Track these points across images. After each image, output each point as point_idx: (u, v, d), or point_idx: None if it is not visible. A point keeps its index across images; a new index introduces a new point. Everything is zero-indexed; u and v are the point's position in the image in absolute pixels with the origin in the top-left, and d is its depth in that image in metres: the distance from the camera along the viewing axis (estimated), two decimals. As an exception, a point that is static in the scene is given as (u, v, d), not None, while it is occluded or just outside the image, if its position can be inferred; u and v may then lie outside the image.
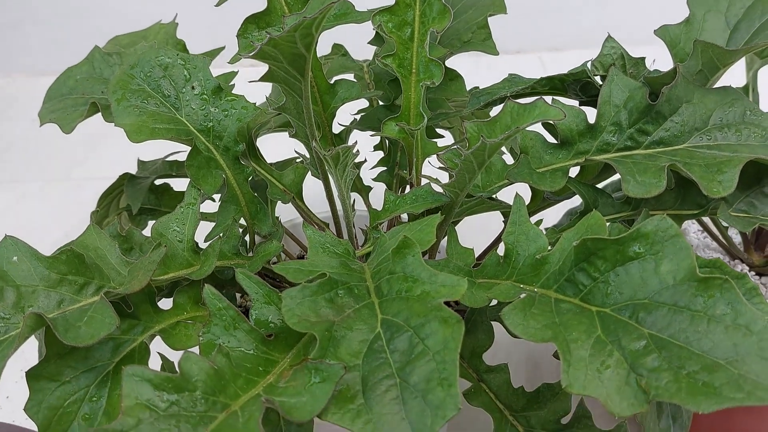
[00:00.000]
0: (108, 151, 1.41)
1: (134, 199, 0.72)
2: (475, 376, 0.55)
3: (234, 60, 0.61)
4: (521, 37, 1.63)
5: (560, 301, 0.46)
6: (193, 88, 0.59)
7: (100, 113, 0.62)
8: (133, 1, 1.65)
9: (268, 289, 0.47)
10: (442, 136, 0.72)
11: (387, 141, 0.74)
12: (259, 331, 0.45)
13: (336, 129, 0.69)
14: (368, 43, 0.72)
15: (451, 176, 0.54)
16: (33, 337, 0.46)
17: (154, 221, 0.59)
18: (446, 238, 0.58)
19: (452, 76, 0.69)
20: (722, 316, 0.40)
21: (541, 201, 0.67)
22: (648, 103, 0.56)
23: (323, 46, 0.72)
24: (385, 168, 0.72)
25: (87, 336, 0.43)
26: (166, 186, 0.77)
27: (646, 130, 0.57)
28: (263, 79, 0.52)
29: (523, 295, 0.46)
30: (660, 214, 0.45)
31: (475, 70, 1.52)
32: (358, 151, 0.57)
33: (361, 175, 0.74)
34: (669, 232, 0.43)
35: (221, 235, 0.55)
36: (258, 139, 0.70)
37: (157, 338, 0.50)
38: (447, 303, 0.46)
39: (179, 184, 0.76)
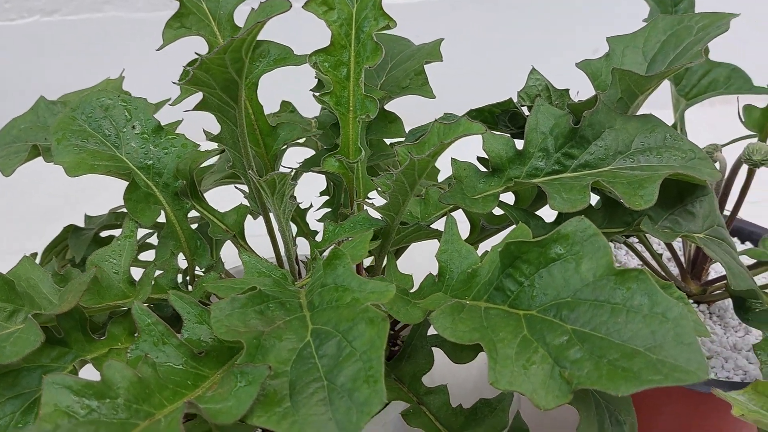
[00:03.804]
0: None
1: (77, 249, 0.72)
2: (415, 399, 0.55)
3: (176, 102, 0.63)
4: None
5: (489, 309, 0.47)
6: (133, 127, 0.61)
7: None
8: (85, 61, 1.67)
9: (200, 309, 0.48)
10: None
11: (332, 184, 0.76)
12: (189, 347, 0.45)
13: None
14: (310, 90, 0.75)
15: (385, 199, 0.55)
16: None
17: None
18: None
19: (391, 119, 0.71)
20: (640, 307, 0.41)
21: (479, 232, 0.68)
22: (572, 128, 0.59)
23: (272, 103, 0.75)
24: (329, 209, 0.74)
25: (12, 354, 0.43)
26: (111, 237, 0.77)
27: (572, 154, 0.59)
28: (197, 107, 0.53)
29: (452, 302, 0.47)
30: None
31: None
32: (294, 180, 0.58)
33: (307, 220, 0.75)
34: (588, 232, 0.45)
35: (155, 264, 0.55)
36: (207, 192, 0.72)
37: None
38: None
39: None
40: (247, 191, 0.66)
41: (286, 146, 0.75)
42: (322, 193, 0.79)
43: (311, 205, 0.76)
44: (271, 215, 0.62)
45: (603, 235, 0.44)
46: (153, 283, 0.55)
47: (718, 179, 0.59)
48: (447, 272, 0.53)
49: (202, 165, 0.66)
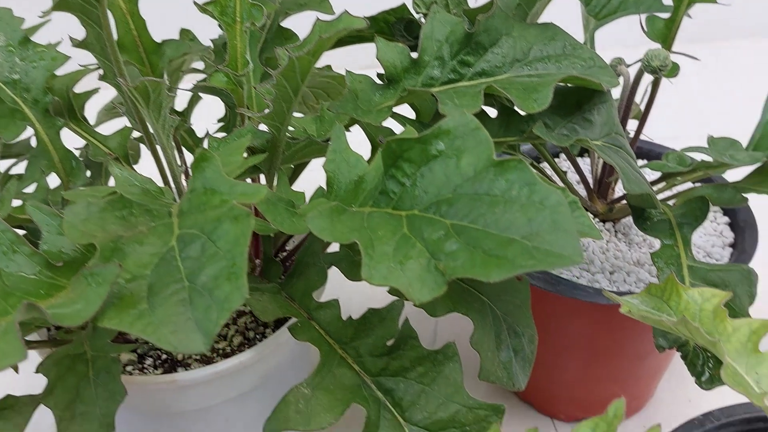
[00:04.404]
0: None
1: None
2: (305, 315, 0.53)
3: (46, 13, 0.58)
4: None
5: (373, 213, 0.45)
6: (-3, 39, 0.56)
7: None
8: None
9: (61, 219, 0.44)
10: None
11: (228, 109, 0.72)
12: (43, 256, 0.42)
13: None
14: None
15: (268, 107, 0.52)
16: None
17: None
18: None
19: (288, 35, 0.68)
20: (518, 196, 0.40)
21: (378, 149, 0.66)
22: (467, 33, 0.57)
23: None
24: (225, 134, 0.70)
25: None
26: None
27: (468, 62, 0.57)
28: (56, 7, 0.49)
29: (333, 204, 0.45)
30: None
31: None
32: (171, 87, 0.54)
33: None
34: (469, 126, 0.43)
35: (16, 179, 0.52)
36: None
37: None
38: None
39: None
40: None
41: (182, 73, 0.71)
42: (219, 121, 0.76)
43: (207, 133, 0.72)
44: (151, 131, 0.58)
45: (485, 129, 0.42)
46: (21, 203, 0.52)
47: (615, 86, 0.58)
48: (335, 182, 0.50)
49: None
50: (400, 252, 0.40)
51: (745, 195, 0.61)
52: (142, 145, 0.74)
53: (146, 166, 0.68)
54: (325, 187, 0.51)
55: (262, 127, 0.57)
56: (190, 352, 0.35)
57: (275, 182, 0.57)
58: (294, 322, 0.51)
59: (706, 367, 0.55)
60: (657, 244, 0.70)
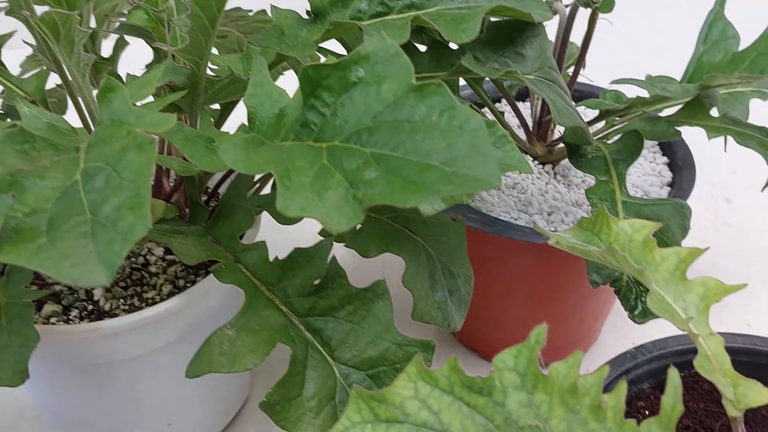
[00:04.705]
0: None
1: None
2: (231, 257, 0.51)
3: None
4: None
5: (294, 146, 0.43)
6: None
7: None
8: None
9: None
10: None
11: (156, 53, 0.69)
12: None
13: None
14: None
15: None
16: None
17: None
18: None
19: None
20: (438, 122, 0.38)
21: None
22: (395, -36, 0.55)
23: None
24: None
25: None
26: None
27: (397, -6, 0.55)
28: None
29: (249, 136, 0.43)
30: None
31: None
32: (83, 20, 0.51)
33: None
34: (389, 51, 0.41)
35: None
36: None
37: None
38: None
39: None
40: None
41: (110, 20, 0.68)
42: (147, 66, 0.72)
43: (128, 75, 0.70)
44: (65, 70, 0.55)
45: (404, 53, 0.41)
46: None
47: (548, 20, 0.57)
48: (257, 118, 0.48)
49: None
50: (318, 182, 0.39)
51: (678, 129, 0.60)
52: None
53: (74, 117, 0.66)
54: (247, 123, 0.49)
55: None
56: (92, 285, 0.33)
57: (198, 123, 0.55)
58: (218, 264, 0.50)
59: (639, 301, 0.55)
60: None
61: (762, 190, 0.59)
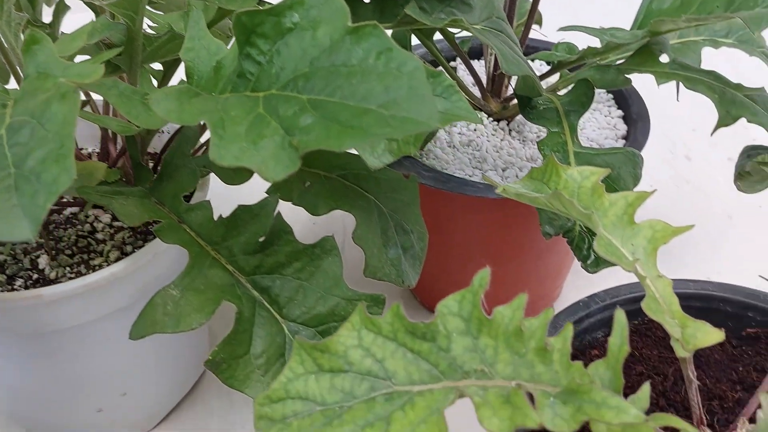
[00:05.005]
0: None
1: None
2: (176, 218, 0.50)
3: None
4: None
5: (230, 97, 0.42)
6: None
7: None
8: None
9: None
10: None
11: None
12: None
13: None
14: None
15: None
16: None
17: None
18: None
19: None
20: (375, 65, 0.37)
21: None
22: None
23: None
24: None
25: None
26: None
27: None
28: None
29: (182, 87, 0.42)
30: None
31: None
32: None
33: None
34: (324, -6, 0.40)
35: None
36: None
37: None
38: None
39: None
40: None
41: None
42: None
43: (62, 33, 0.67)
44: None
45: (341, -2, 0.40)
46: None
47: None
48: (194, 72, 0.47)
49: None
50: (253, 131, 0.38)
51: (628, 76, 0.60)
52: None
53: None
54: (185, 79, 0.48)
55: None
56: (17, 239, 0.32)
57: (138, 82, 0.53)
58: (160, 224, 0.48)
59: (591, 251, 0.54)
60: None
61: (711, 134, 0.59)
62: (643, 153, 0.59)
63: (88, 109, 0.64)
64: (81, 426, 0.63)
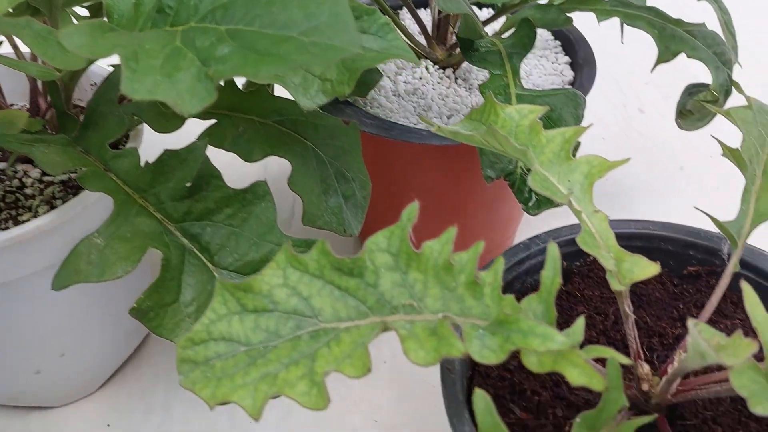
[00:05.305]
0: None
1: None
2: (101, 166, 0.48)
3: None
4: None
5: (147, 32, 0.40)
6: None
7: None
8: None
9: None
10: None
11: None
12: None
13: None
14: None
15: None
16: None
17: None
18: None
19: None
20: (295, -9, 0.36)
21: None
22: None
23: None
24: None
25: None
26: None
27: None
28: None
29: (95, 21, 0.40)
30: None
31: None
32: None
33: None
34: None
35: None
36: None
37: None
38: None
39: None
40: None
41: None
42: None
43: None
44: None
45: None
46: None
47: None
48: (114, 11, 0.44)
49: None
50: (169, 64, 0.36)
51: (569, 15, 0.59)
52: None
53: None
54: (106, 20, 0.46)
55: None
56: None
57: (59, 25, 0.51)
58: (83, 171, 0.46)
59: (533, 193, 0.54)
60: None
61: (651, 71, 0.58)
62: (597, 106, 0.58)
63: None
64: (19, 388, 0.61)
